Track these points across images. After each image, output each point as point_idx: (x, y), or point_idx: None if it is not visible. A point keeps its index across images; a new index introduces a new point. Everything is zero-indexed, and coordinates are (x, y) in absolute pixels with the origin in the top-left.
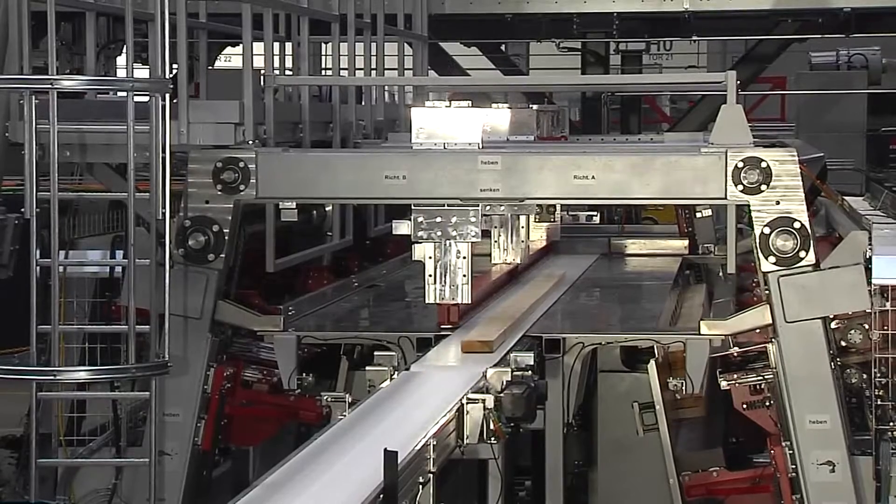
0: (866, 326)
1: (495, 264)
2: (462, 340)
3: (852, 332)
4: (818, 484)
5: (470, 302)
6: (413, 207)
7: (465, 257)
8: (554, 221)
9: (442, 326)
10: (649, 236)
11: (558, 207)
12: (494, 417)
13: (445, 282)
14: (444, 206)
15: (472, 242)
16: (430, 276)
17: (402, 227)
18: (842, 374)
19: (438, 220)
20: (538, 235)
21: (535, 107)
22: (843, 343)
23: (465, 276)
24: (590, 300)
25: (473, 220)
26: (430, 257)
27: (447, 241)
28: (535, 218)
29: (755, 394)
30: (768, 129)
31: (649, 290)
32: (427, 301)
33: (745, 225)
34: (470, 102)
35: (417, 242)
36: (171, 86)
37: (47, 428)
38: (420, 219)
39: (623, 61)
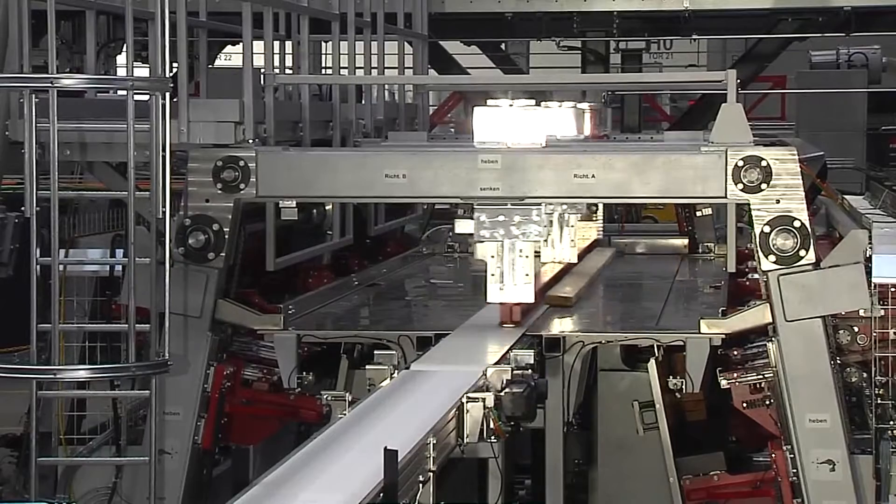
0: (856, 329)
1: (545, 263)
2: (547, 294)
3: (841, 332)
4: (818, 483)
5: (533, 301)
6: (475, 206)
7: (527, 256)
8: (596, 220)
9: (504, 325)
10: (649, 235)
11: (600, 207)
12: (494, 416)
13: (507, 281)
14: (506, 204)
15: (534, 241)
16: (493, 275)
17: (464, 226)
18: (842, 373)
19: (501, 218)
20: (588, 234)
21: (585, 105)
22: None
23: (527, 275)
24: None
25: (537, 219)
26: (493, 256)
27: (510, 241)
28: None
29: (755, 392)
30: (768, 128)
31: (649, 288)
32: (488, 300)
33: (745, 224)
34: (534, 101)
35: (480, 242)
36: (171, 84)
37: (47, 426)
38: (482, 217)
39: (623, 60)
